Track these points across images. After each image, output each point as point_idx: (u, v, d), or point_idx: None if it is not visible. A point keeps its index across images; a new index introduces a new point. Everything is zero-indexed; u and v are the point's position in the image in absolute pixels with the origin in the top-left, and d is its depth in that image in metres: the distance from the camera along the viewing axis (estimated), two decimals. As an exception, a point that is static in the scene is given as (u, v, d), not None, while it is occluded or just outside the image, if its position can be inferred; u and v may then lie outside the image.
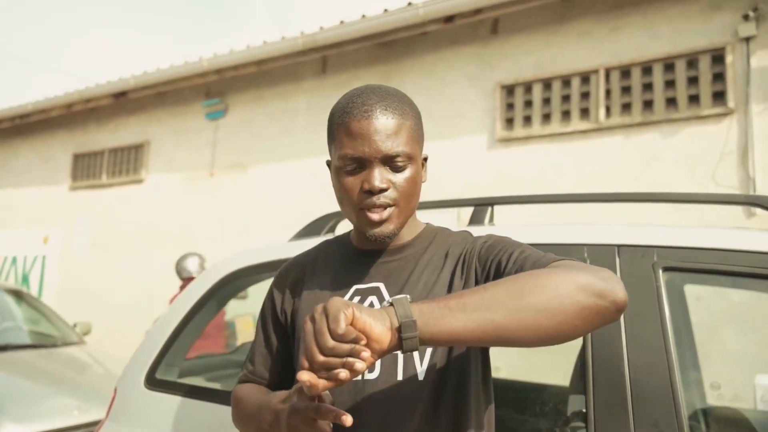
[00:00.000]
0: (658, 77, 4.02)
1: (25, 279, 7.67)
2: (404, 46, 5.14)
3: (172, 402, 1.72)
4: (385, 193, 0.95)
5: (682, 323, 2.04)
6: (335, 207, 2.30)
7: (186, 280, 4.60)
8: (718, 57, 3.84)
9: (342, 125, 0.96)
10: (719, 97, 3.81)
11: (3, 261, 7.96)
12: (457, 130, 4.74)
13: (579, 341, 1.25)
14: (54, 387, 3.55)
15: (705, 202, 1.58)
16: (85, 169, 7.47)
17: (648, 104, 4.05)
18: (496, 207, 1.73)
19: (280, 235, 2.41)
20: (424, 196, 1.20)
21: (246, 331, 4.90)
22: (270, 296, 1.14)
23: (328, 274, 1.07)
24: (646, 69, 4.07)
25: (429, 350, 0.95)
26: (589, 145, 4.23)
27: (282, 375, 1.10)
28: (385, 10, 4.78)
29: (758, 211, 3.51)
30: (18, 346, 4.17)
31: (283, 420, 0.86)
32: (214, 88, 6.33)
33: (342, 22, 5.02)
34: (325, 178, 5.30)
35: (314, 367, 0.71)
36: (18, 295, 5.01)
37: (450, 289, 0.98)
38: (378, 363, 0.93)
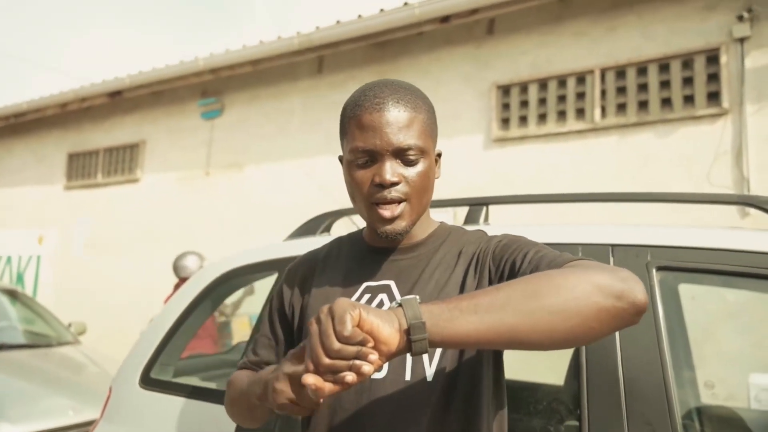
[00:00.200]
0: (653, 78, 4.03)
1: (20, 279, 7.64)
2: (400, 46, 5.14)
3: (167, 401, 1.72)
4: (397, 187, 0.93)
5: (676, 322, 2.04)
6: (331, 207, 2.30)
7: (182, 279, 4.59)
8: (712, 57, 3.86)
9: (353, 118, 0.95)
10: (714, 97, 3.83)
11: (-3, 261, 7.93)
12: (453, 130, 4.75)
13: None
14: (49, 387, 3.54)
15: (699, 202, 1.59)
16: (80, 168, 7.44)
17: (643, 104, 4.06)
18: (491, 207, 1.73)
19: (277, 235, 2.41)
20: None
21: (242, 332, 4.89)
22: (279, 290, 1.12)
23: (339, 270, 1.06)
24: (642, 69, 4.09)
25: (438, 351, 0.92)
26: (584, 145, 4.24)
27: None
28: (381, 10, 4.78)
29: (752, 210, 3.53)
30: (12, 346, 4.16)
31: (270, 387, 0.84)
32: (210, 87, 6.32)
33: (338, 22, 5.01)
34: (321, 177, 5.31)
35: (319, 370, 0.69)
36: (13, 294, 4.99)
37: (462, 289, 0.95)
38: (386, 363, 0.90)
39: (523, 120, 4.52)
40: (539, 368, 2.43)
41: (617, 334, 1.20)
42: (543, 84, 4.46)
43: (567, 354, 1.72)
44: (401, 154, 0.93)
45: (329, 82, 5.57)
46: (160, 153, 6.69)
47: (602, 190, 3.96)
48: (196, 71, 5.89)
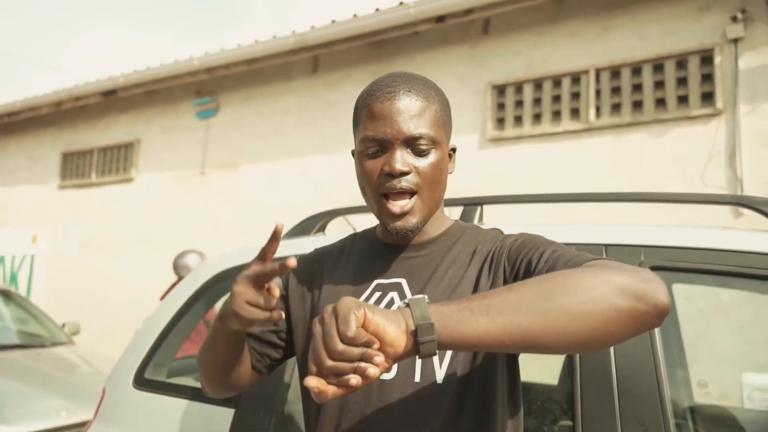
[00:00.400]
0: (647, 78, 4.05)
1: (13, 278, 7.61)
2: (395, 45, 5.14)
3: (160, 402, 1.71)
4: (407, 177, 0.91)
5: (669, 322, 2.05)
6: (326, 206, 2.30)
7: (181, 277, 4.57)
8: (706, 58, 3.87)
9: (365, 107, 0.93)
10: (708, 97, 3.85)
11: (-9, 260, 7.89)
12: (449, 129, 4.74)
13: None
14: (42, 387, 3.52)
15: (693, 202, 1.60)
16: (74, 167, 7.41)
17: (637, 105, 4.07)
18: (485, 207, 1.73)
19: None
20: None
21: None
22: (285, 280, 1.09)
23: (350, 267, 1.03)
24: (636, 70, 4.10)
25: (449, 352, 0.89)
26: (579, 145, 4.25)
27: (271, 347, 1.05)
28: (377, 10, 4.78)
29: (746, 211, 3.55)
30: (5, 346, 4.14)
31: (232, 296, 0.83)
32: (205, 86, 6.30)
33: (333, 21, 5.01)
34: (316, 177, 5.30)
35: (323, 373, 0.66)
36: (6, 294, 4.97)
37: (476, 289, 0.92)
38: (394, 365, 0.86)
39: (518, 120, 4.52)
40: (532, 367, 2.43)
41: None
42: (538, 84, 4.47)
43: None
44: (412, 144, 0.91)
45: (324, 82, 5.56)
46: (154, 152, 6.67)
47: (597, 190, 3.97)
48: (190, 70, 5.87)
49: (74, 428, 3.15)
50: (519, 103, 4.53)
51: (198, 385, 2.00)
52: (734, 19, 3.77)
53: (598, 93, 4.21)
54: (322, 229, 1.89)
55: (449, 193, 1.10)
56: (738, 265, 1.20)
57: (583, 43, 4.31)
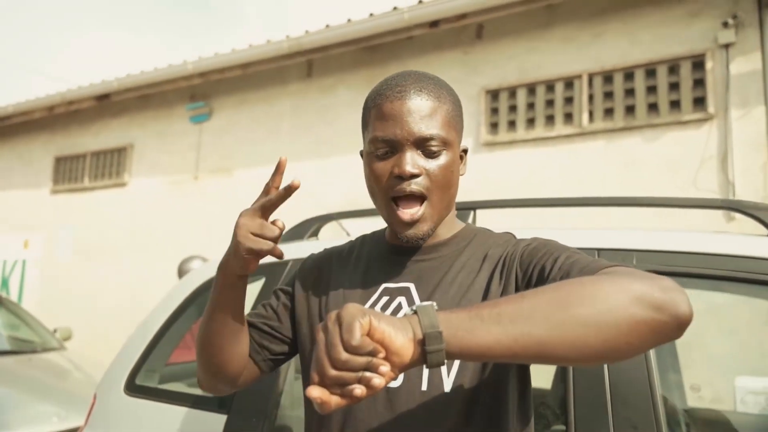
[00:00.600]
0: (639, 83, 4.07)
1: (5, 283, 7.55)
2: (389, 50, 5.15)
3: (152, 408, 1.70)
4: (417, 180, 0.88)
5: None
6: (320, 211, 2.29)
7: None
8: (698, 63, 3.90)
9: (374, 108, 0.91)
10: (700, 102, 3.87)
11: (-18, 265, 7.83)
12: (442, 134, 4.75)
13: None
14: (33, 394, 3.49)
15: (685, 206, 1.60)
16: (67, 172, 7.37)
17: (630, 109, 4.09)
18: (479, 211, 1.73)
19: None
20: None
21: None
22: (291, 280, 1.07)
23: (358, 270, 1.01)
24: (628, 75, 4.12)
25: (458, 361, 0.86)
26: (572, 150, 4.26)
27: (270, 339, 1.03)
28: (371, 15, 4.79)
29: (737, 215, 3.57)
30: (-4, 353, 4.10)
31: (236, 228, 0.86)
32: (199, 91, 6.29)
33: (327, 26, 5.01)
34: (309, 182, 5.29)
35: (325, 382, 0.63)
36: (-3, 300, 4.93)
37: (486, 295, 0.89)
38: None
39: (512, 124, 4.54)
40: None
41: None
42: (531, 89, 4.49)
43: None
44: (423, 145, 0.88)
45: (319, 86, 5.56)
46: (148, 157, 6.65)
47: (589, 194, 3.99)
48: (184, 75, 5.86)
49: (65, 435, 3.12)
50: (512, 108, 4.55)
51: (190, 391, 1.99)
52: (725, 24, 3.80)
53: (591, 98, 4.23)
54: (315, 233, 1.89)
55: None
56: (730, 269, 1.20)
57: (576, 49, 4.34)
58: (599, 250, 1.31)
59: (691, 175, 3.84)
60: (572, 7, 4.38)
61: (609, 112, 4.17)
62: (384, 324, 0.65)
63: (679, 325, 0.70)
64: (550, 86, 4.41)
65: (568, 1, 4.32)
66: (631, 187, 3.96)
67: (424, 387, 0.85)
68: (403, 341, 0.65)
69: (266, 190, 0.87)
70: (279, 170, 0.86)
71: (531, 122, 4.46)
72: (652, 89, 4.03)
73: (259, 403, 1.51)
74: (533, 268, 0.86)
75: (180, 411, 1.65)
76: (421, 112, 0.88)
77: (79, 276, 6.86)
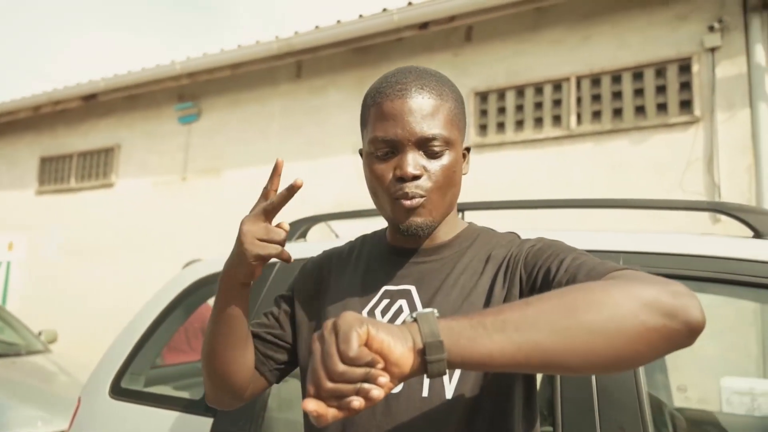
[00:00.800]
0: (627, 86, 4.10)
1: (-11, 286, 7.45)
2: (379, 52, 5.15)
3: (137, 411, 1.68)
4: (418, 182, 0.85)
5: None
6: (309, 212, 2.28)
7: None
8: (685, 66, 3.94)
9: (374, 106, 0.88)
10: (686, 105, 3.91)
11: (-34, 267, 7.72)
12: (432, 135, 4.76)
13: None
14: (17, 397, 3.45)
15: (671, 208, 1.61)
16: (53, 172, 7.29)
17: (618, 112, 4.12)
18: (467, 212, 1.73)
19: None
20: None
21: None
22: (291, 285, 1.05)
23: (358, 271, 0.98)
24: (616, 77, 4.15)
25: None
26: (560, 152, 4.29)
27: (274, 349, 1.00)
28: (360, 16, 4.79)
29: (723, 217, 3.60)
30: (-20, 355, 4.04)
31: (240, 236, 0.85)
32: (187, 91, 6.25)
33: (317, 27, 5.01)
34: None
35: (322, 395, 0.60)
36: (-20, 302, 4.86)
37: (489, 297, 0.86)
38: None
39: (501, 126, 4.56)
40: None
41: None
42: (520, 91, 4.50)
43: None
44: (425, 145, 0.85)
45: (309, 87, 5.55)
46: (135, 157, 6.60)
47: (577, 196, 4.01)
48: (173, 75, 5.82)
49: (50, 438, 3.08)
50: (501, 110, 4.56)
51: (176, 394, 1.97)
52: (711, 28, 3.84)
53: (579, 100, 4.26)
54: (304, 235, 1.88)
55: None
56: (716, 271, 1.21)
57: (565, 51, 4.36)
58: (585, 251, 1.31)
59: (677, 178, 3.87)
60: (561, 10, 4.41)
61: (597, 115, 4.19)
62: (382, 333, 0.62)
63: (691, 333, 0.68)
64: (538, 88, 4.43)
65: (557, 4, 4.34)
66: (618, 189, 3.99)
67: (424, 393, 0.83)
68: (402, 351, 0.62)
69: (265, 194, 0.86)
70: (276, 172, 0.85)
71: (520, 124, 4.48)
72: (639, 92, 4.06)
73: (246, 405, 1.50)
74: (538, 270, 0.84)
75: (166, 414, 1.64)
76: (422, 111, 0.85)
77: (65, 278, 6.78)
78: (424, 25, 4.62)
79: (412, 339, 0.63)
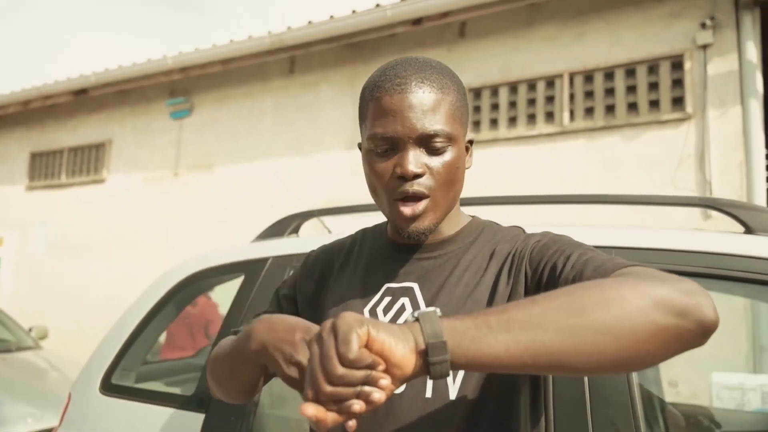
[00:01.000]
0: (620, 82, 4.11)
1: (-21, 282, 7.38)
2: (372, 47, 5.13)
3: (128, 408, 1.67)
4: (420, 180, 0.82)
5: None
6: (301, 208, 2.27)
7: None
8: (677, 64, 3.95)
9: (372, 101, 0.84)
10: (678, 102, 3.92)
11: (-45, 263, 7.65)
12: (425, 132, 4.75)
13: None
14: (7, 394, 3.42)
15: (663, 204, 1.62)
16: (43, 168, 7.23)
17: (610, 108, 4.13)
18: (461, 208, 1.73)
19: (250, 237, 2.38)
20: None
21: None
22: (292, 279, 1.02)
23: (359, 268, 0.95)
24: (609, 74, 4.16)
25: None
26: (553, 148, 4.29)
27: None
28: (354, 11, 4.77)
29: (714, 213, 3.62)
30: (-31, 352, 4.01)
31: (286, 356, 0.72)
32: (179, 86, 6.21)
33: (310, 22, 4.98)
34: (291, 178, 5.26)
35: (321, 399, 0.58)
36: (-30, 298, 4.82)
37: (494, 294, 0.84)
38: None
39: (494, 123, 4.56)
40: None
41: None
42: (513, 87, 4.51)
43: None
44: (426, 142, 0.82)
45: (301, 83, 5.53)
46: (126, 153, 6.55)
47: (570, 192, 4.02)
48: (164, 70, 5.78)
49: (40, 435, 3.07)
50: (495, 106, 4.56)
51: (168, 390, 1.96)
52: (703, 25, 3.85)
53: (572, 97, 4.26)
54: (296, 230, 1.87)
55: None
56: (707, 267, 1.21)
57: (558, 48, 4.37)
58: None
59: (669, 174, 3.89)
60: (554, 6, 4.41)
61: (590, 112, 4.20)
62: (383, 334, 0.60)
63: (703, 332, 0.65)
64: (531, 85, 4.43)
65: (551, 1, 4.34)
66: (610, 186, 4.00)
67: (427, 394, 0.81)
68: (404, 352, 0.60)
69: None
70: None
71: (513, 121, 4.48)
72: (632, 89, 4.07)
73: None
74: (544, 266, 0.81)
75: (157, 410, 1.63)
76: (423, 107, 0.81)
77: (55, 274, 6.74)
78: (417, 21, 4.61)
79: (414, 339, 0.61)
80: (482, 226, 0.95)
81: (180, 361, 2.98)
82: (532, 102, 4.42)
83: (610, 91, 4.15)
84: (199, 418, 1.54)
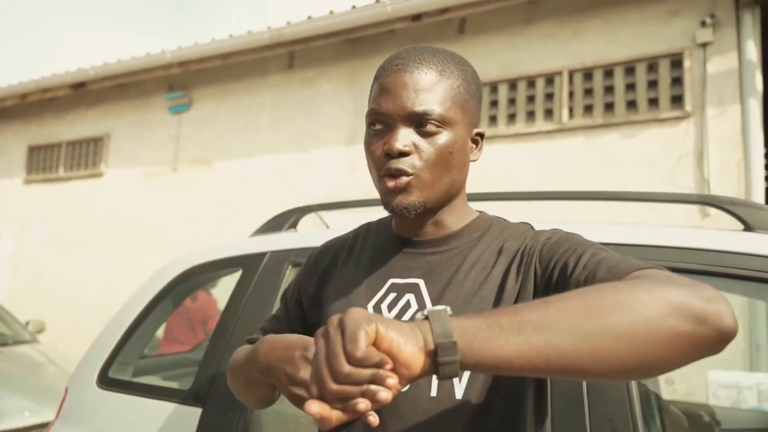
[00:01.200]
0: (619, 80, 4.11)
1: (-24, 276, 7.37)
2: (371, 43, 5.12)
3: (125, 401, 1.67)
4: (405, 159, 0.81)
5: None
6: (300, 203, 2.27)
7: None
8: (676, 62, 3.95)
9: (376, 81, 0.85)
10: (677, 100, 3.92)
11: (-48, 257, 7.63)
12: (424, 128, 4.75)
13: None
14: (4, 387, 3.42)
15: (662, 201, 1.62)
16: (41, 162, 7.21)
17: (609, 106, 4.13)
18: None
19: (249, 231, 2.38)
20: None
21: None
22: (297, 280, 1.01)
23: (363, 263, 0.94)
24: (608, 72, 4.16)
25: None
26: (552, 146, 4.29)
27: None
28: (353, 7, 4.76)
29: (712, 210, 3.63)
30: (-34, 346, 4.01)
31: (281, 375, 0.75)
32: (178, 81, 6.19)
33: (309, 17, 4.97)
34: (290, 173, 5.25)
35: (326, 397, 0.56)
36: (-33, 292, 4.81)
37: (501, 292, 0.82)
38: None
39: (493, 119, 4.55)
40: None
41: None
42: (512, 84, 4.50)
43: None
44: (418, 122, 0.81)
45: (300, 78, 5.51)
46: (125, 147, 6.54)
47: (569, 189, 4.02)
48: (163, 64, 5.76)
49: (38, 428, 3.06)
50: (494, 103, 4.56)
51: (165, 384, 1.96)
52: (703, 24, 3.85)
53: (571, 94, 4.26)
54: (294, 225, 1.87)
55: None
56: (705, 264, 1.21)
57: (557, 45, 4.36)
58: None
59: (668, 172, 3.89)
60: (553, 4, 4.40)
61: (589, 109, 4.20)
62: (392, 332, 0.58)
63: (721, 339, 0.63)
64: (531, 82, 4.43)
65: (550, -2, 4.34)
66: (609, 183, 4.00)
67: (433, 393, 0.80)
68: (412, 351, 0.58)
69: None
70: None
71: (512, 118, 4.48)
72: (631, 87, 4.07)
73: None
74: (554, 265, 0.79)
75: (154, 404, 1.63)
76: (417, 86, 0.80)
77: (52, 268, 6.73)
78: (417, 17, 4.60)
79: (423, 338, 0.59)
80: (490, 221, 0.93)
81: (177, 356, 2.98)
82: (531, 99, 4.42)
83: (609, 89, 4.15)
84: (196, 412, 1.54)
